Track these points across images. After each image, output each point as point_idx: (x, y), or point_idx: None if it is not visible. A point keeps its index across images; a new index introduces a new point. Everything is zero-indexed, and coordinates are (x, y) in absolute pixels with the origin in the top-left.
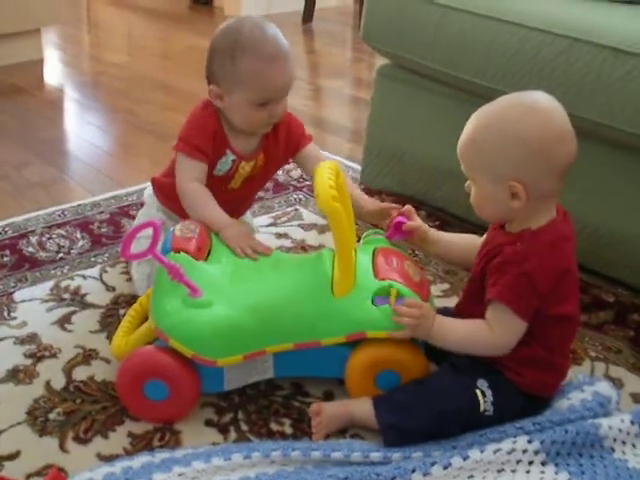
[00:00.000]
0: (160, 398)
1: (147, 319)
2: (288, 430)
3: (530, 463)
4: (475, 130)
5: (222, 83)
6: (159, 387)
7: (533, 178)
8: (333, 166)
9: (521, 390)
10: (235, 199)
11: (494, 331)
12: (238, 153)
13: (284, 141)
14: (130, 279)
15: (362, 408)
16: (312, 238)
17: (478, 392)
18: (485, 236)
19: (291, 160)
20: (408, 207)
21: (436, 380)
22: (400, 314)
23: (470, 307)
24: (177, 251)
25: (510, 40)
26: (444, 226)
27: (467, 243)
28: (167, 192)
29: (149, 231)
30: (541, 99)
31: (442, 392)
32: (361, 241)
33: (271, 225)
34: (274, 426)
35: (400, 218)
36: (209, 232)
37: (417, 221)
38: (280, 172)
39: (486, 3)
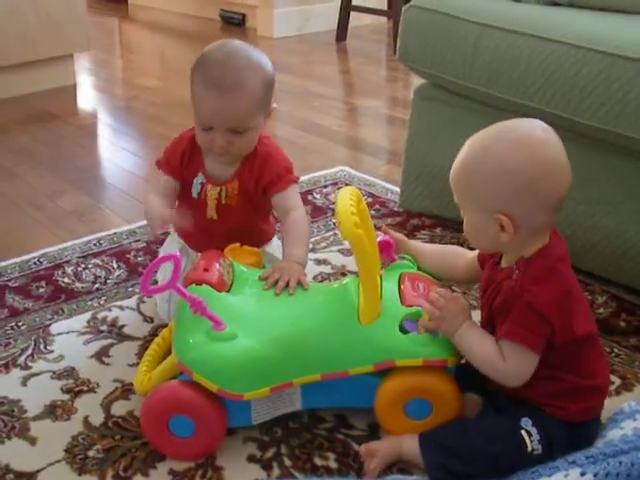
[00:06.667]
0: (186, 434)
1: (170, 353)
2: (333, 465)
3: None
4: (465, 160)
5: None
6: (185, 423)
7: (522, 212)
8: (355, 192)
9: (567, 421)
10: (219, 232)
11: (507, 363)
12: (207, 176)
13: (256, 177)
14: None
15: (410, 446)
16: (353, 263)
17: (523, 433)
18: (484, 276)
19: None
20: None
21: (479, 423)
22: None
23: None
24: (198, 283)
25: (549, 57)
26: None
27: (445, 254)
28: None
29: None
30: (532, 130)
31: (487, 436)
32: (386, 267)
33: (310, 251)
34: (318, 461)
35: (383, 238)
36: (230, 263)
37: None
38: (318, 195)
39: (523, 20)
